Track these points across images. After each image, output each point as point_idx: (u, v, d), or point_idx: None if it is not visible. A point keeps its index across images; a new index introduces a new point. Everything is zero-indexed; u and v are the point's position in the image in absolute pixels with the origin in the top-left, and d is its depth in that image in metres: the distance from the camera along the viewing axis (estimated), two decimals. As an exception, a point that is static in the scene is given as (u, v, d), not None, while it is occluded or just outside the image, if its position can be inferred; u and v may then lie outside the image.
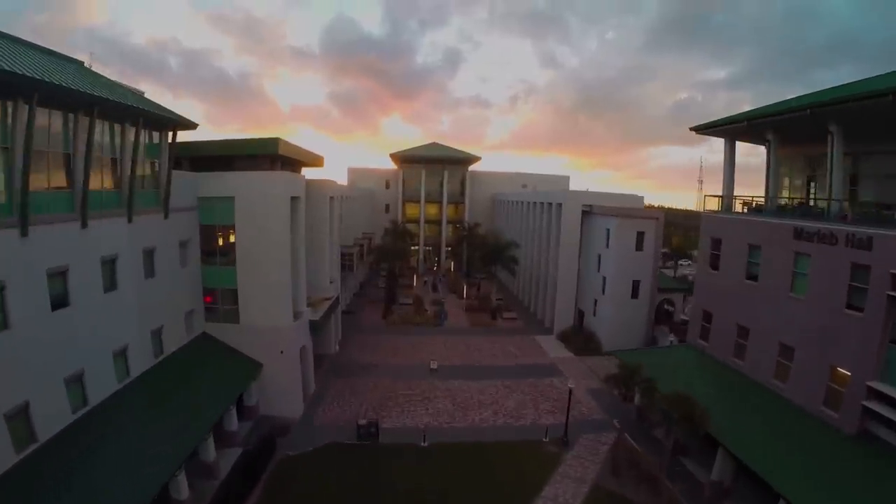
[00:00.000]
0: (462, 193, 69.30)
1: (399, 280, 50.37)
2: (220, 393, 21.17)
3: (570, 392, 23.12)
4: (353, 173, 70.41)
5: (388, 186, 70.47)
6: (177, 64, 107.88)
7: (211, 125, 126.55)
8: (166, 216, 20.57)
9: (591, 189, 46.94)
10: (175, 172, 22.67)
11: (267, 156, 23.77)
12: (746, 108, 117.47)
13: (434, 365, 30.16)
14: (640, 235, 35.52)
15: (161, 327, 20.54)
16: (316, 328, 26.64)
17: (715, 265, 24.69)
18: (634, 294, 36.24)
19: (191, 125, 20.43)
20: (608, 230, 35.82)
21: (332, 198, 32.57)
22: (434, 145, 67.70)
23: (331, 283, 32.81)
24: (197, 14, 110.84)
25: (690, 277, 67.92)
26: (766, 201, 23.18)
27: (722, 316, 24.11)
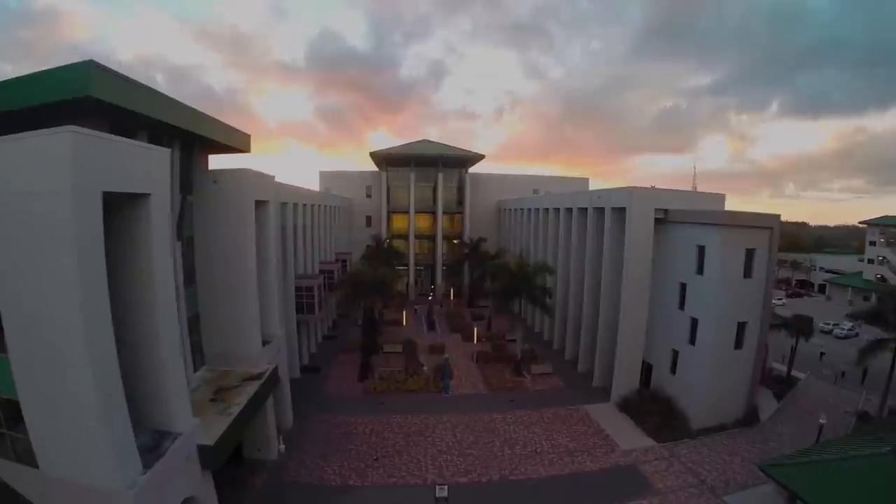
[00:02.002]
0: (460, 202, 57.50)
1: (383, 315, 37.71)
2: None
3: None
4: (326, 178, 58.09)
5: (369, 195, 58.20)
6: (164, 80, 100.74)
7: None
8: None
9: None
10: None
11: (96, 113, 11.10)
12: (733, 114, 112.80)
13: (443, 492, 17.49)
14: (750, 255, 23.92)
15: None
16: (216, 458, 13.83)
17: None
18: (738, 343, 24.57)
19: None
20: (702, 248, 24.10)
21: (264, 202, 20.12)
22: (425, 143, 56.02)
23: (266, 344, 20.15)
24: (183, 31, 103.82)
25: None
26: None
27: None
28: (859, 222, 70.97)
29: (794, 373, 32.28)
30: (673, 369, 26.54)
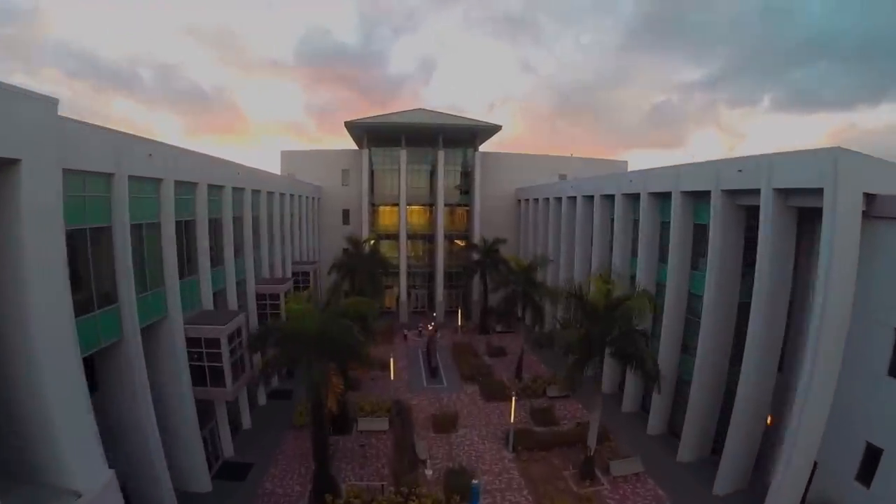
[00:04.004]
0: (467, 191, 45.28)
1: (363, 351, 25.29)
2: None
3: None
4: (289, 160, 45.57)
5: (346, 182, 45.70)
6: (152, 77, 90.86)
7: (189, 137, 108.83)
8: None
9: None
10: None
11: None
12: (724, 109, 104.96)
13: None
14: None
15: None
16: None
17: None
18: None
19: None
20: None
21: (9, 162, 7.67)
22: (421, 112, 43.51)
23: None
24: (170, 27, 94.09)
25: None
26: None
27: None
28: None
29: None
30: (864, 476, 14.92)
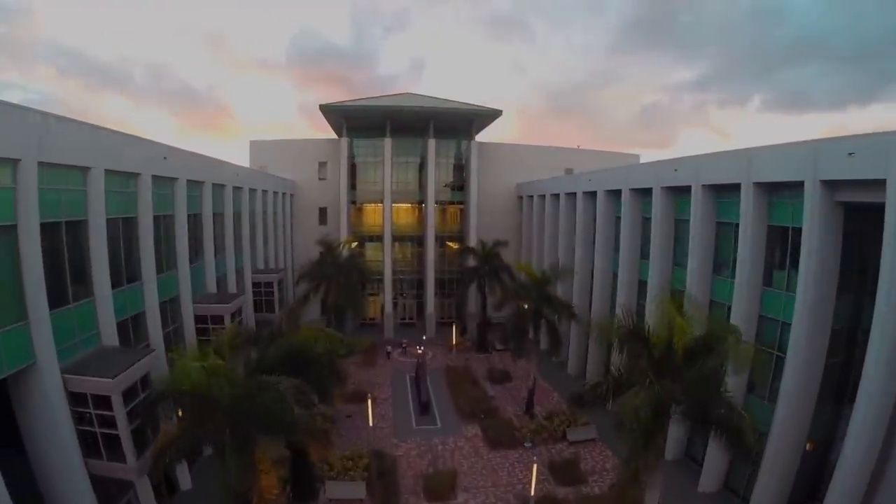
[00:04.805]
0: (461, 187, 40.81)
1: (313, 427, 20.53)
2: None
3: None
4: (259, 150, 40.56)
5: (323, 176, 40.88)
6: (144, 76, 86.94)
7: (181, 135, 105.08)
8: None
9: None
10: None
11: None
12: (713, 109, 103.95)
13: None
14: None
15: None
16: None
17: None
18: None
19: None
20: None
21: None
22: (409, 96, 38.88)
23: None
24: (163, 26, 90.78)
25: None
26: None
27: None
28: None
29: None
30: None
